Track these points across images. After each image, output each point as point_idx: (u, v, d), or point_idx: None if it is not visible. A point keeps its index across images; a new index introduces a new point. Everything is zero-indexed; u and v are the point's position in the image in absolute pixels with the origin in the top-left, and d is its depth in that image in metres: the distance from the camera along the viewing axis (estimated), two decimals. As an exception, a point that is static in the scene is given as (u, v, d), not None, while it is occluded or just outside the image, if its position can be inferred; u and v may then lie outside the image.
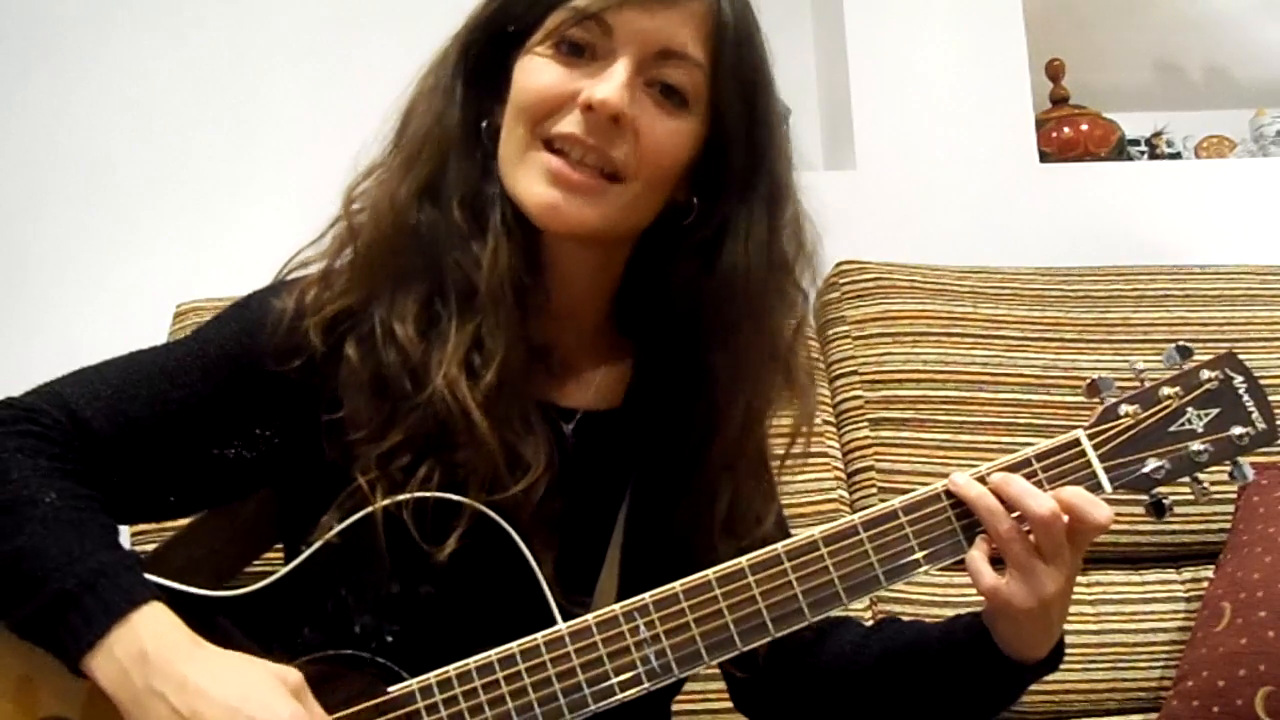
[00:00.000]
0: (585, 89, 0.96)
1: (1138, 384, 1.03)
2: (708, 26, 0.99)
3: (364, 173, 1.05)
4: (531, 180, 0.98)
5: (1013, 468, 0.98)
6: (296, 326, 0.98)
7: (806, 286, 1.08)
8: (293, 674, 0.86)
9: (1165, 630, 1.72)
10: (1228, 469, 1.02)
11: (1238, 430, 1.02)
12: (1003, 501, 0.96)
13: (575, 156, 0.97)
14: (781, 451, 1.14)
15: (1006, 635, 0.99)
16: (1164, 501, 1.01)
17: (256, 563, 1.15)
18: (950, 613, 1.64)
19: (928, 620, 1.14)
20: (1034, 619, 0.97)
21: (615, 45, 0.97)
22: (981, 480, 0.97)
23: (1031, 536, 0.95)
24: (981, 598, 0.98)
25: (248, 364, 0.99)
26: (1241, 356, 1.05)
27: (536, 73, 0.99)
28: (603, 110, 0.95)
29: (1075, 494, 0.96)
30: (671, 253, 1.04)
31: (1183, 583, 1.77)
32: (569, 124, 0.97)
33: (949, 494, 0.98)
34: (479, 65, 1.03)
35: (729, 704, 1.23)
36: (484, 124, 1.02)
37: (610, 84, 0.95)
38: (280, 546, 1.12)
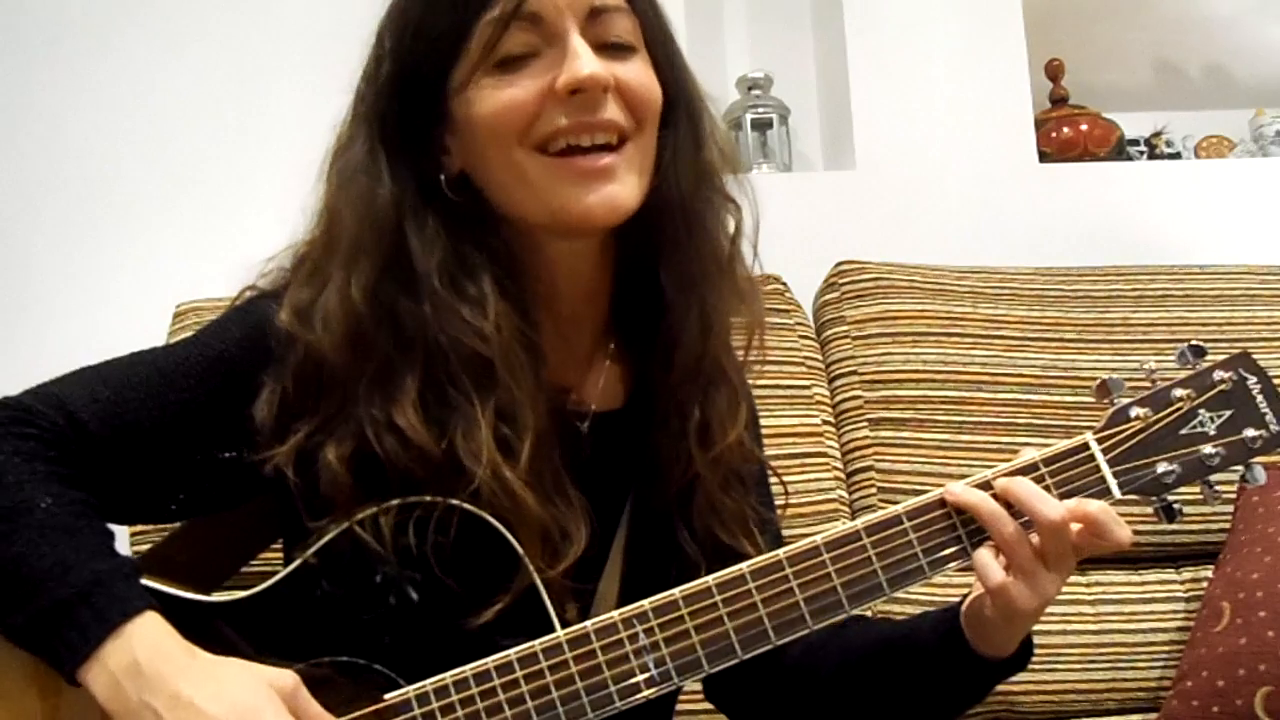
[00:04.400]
0: (560, 76, 0.95)
1: (1149, 384, 1.01)
2: None
3: (305, 277, 1.00)
4: (565, 194, 0.96)
5: (1019, 472, 0.97)
6: (269, 457, 0.95)
7: (735, 194, 1.08)
8: (288, 677, 0.86)
9: (1165, 630, 1.72)
10: (1240, 472, 1.00)
11: (1251, 433, 1.00)
12: (1009, 505, 0.95)
13: (586, 143, 0.96)
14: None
15: (991, 632, 0.98)
16: (1174, 506, 0.99)
17: (254, 562, 1.15)
18: (950, 613, 1.66)
19: (895, 619, 1.13)
20: (1027, 619, 0.97)
21: (551, 30, 0.96)
22: (986, 485, 0.97)
23: (1035, 539, 0.94)
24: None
25: (247, 369, 0.98)
26: (1245, 356, 1.04)
27: (493, 97, 0.96)
28: (594, 85, 0.95)
29: (1102, 510, 0.95)
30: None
31: (1182, 583, 1.77)
32: (561, 117, 0.95)
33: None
34: (400, 130, 1.00)
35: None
36: (441, 178, 1.00)
37: (584, 59, 0.95)
38: (279, 545, 1.11)
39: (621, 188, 0.97)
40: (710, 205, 1.05)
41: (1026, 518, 0.94)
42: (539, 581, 0.93)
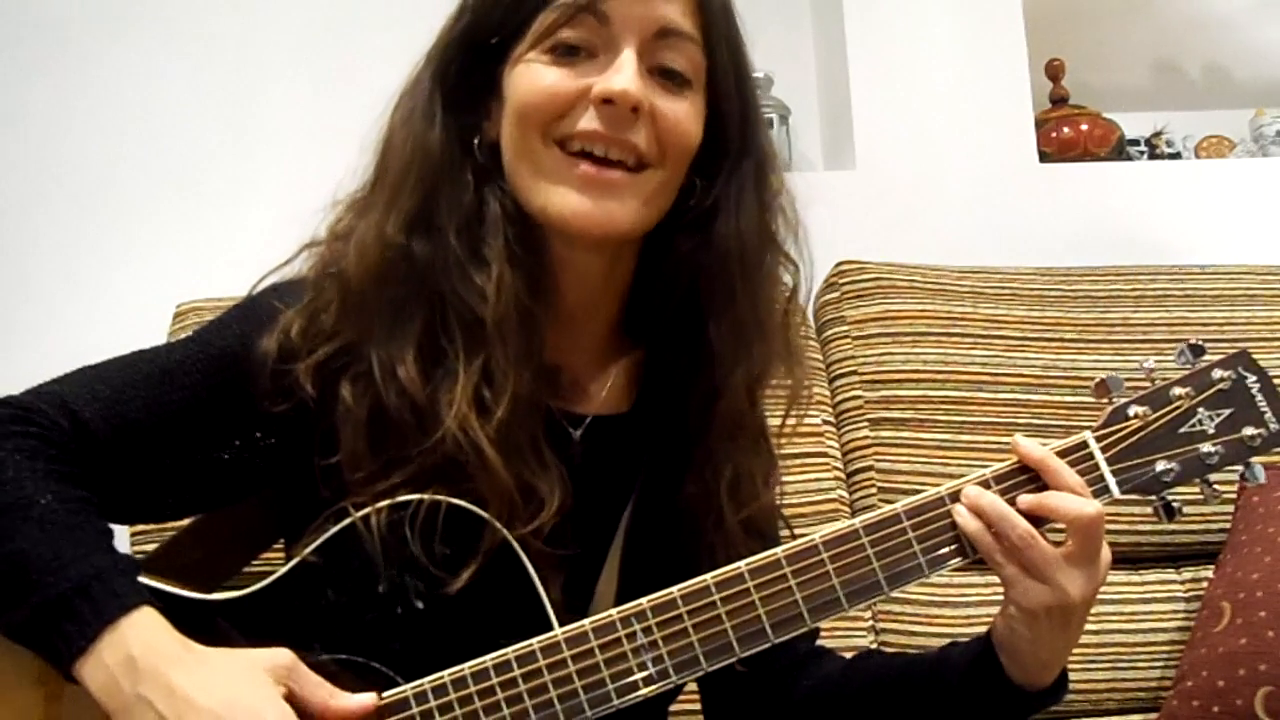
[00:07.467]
0: (597, 83, 0.96)
1: (1148, 383, 1.01)
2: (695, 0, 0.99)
3: (346, 206, 1.03)
4: (561, 192, 0.97)
5: (1018, 471, 0.97)
6: (284, 370, 0.96)
7: (796, 259, 1.08)
8: (284, 655, 0.86)
9: (1165, 630, 1.72)
10: (1239, 470, 1.00)
11: (1250, 431, 1.00)
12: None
13: (599, 153, 0.96)
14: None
15: (1021, 650, 0.97)
16: (1173, 504, 0.99)
17: (255, 562, 1.15)
18: (950, 613, 1.66)
19: (921, 642, 1.12)
20: (1043, 622, 0.95)
21: (614, 34, 0.97)
22: (986, 484, 0.96)
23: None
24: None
25: (248, 367, 0.97)
26: (1245, 356, 1.04)
27: (538, 77, 0.98)
28: (624, 101, 0.95)
29: (1058, 499, 0.94)
30: (670, 235, 1.04)
31: (1183, 583, 1.77)
32: (587, 121, 0.96)
33: (952, 497, 0.97)
34: (458, 83, 1.02)
35: (728, 705, 1.23)
36: (475, 140, 1.01)
37: (625, 74, 0.95)
38: (280, 545, 1.11)
39: (620, 208, 0.97)
40: (771, 266, 1.05)
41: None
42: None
